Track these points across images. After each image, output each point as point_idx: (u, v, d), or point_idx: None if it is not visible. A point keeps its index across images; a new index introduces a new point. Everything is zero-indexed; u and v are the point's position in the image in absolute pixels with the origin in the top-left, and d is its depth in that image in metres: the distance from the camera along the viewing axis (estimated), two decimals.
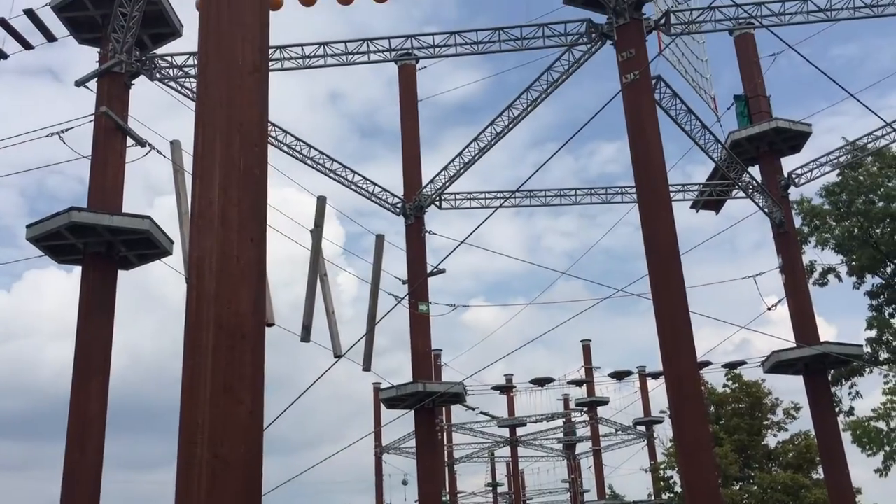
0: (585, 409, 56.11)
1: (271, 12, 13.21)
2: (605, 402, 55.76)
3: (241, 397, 6.69)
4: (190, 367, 6.74)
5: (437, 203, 26.04)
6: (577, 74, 21.08)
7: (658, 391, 53.89)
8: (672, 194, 20.90)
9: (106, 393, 17.48)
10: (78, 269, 18.41)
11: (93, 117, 18.84)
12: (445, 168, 25.15)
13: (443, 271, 24.79)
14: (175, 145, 19.42)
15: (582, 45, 20.33)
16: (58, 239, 17.59)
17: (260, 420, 7.03)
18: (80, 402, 17.06)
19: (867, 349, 35.14)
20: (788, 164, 25.82)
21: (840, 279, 36.85)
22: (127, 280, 19.24)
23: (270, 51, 18.60)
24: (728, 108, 25.90)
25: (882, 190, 35.22)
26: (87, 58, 20.01)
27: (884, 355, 36.22)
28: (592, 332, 60.77)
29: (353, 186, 25.30)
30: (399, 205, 25.58)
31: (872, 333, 36.28)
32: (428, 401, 24.10)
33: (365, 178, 25.31)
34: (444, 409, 47.91)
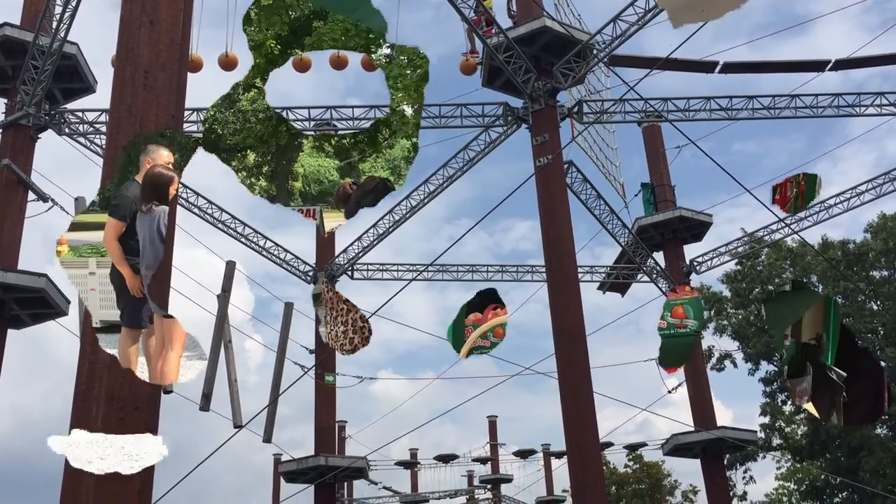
0: (489, 486, 55.62)
1: (190, 74, 13.09)
2: (509, 480, 55.36)
3: (129, 475, 6.36)
4: None
5: (350, 273, 25.90)
6: (493, 153, 21.59)
7: (562, 469, 53.92)
8: (580, 275, 21.32)
9: None
10: None
11: None
12: (359, 238, 25.14)
13: None
14: (79, 202, 18.77)
15: (498, 127, 20.86)
16: None
17: (148, 498, 6.70)
18: None
19: (761, 434, 36.26)
20: (690, 251, 26.80)
21: (736, 365, 38.21)
22: (18, 336, 18.34)
23: (187, 112, 18.42)
24: (635, 195, 26.80)
25: (777, 280, 36.99)
26: None
27: (776, 441, 37.42)
28: (500, 408, 60.81)
29: (265, 252, 24.95)
30: (311, 273, 25.34)
31: (766, 419, 37.57)
32: (329, 476, 23.48)
33: (277, 245, 25.04)
34: (346, 483, 46.72)
